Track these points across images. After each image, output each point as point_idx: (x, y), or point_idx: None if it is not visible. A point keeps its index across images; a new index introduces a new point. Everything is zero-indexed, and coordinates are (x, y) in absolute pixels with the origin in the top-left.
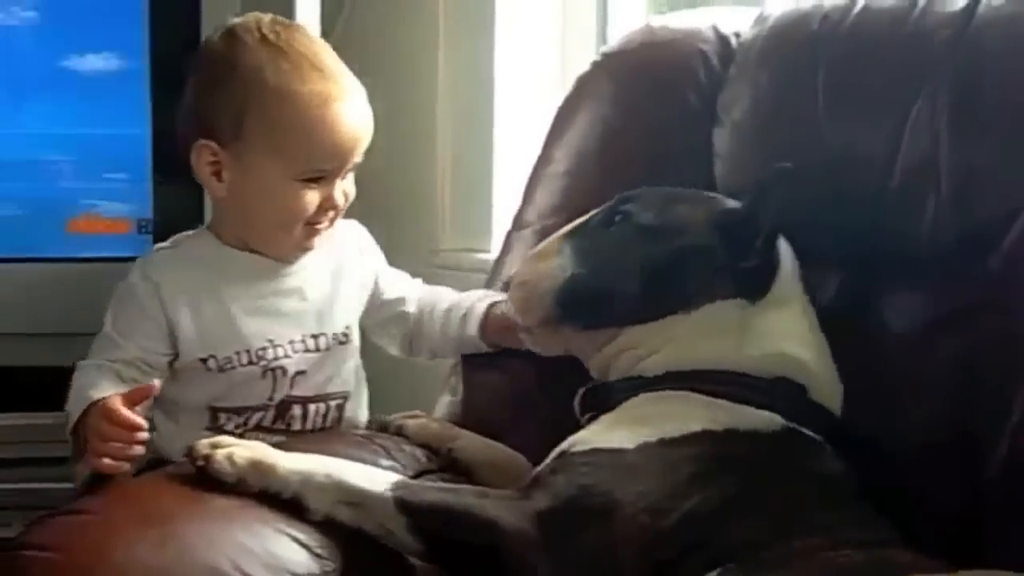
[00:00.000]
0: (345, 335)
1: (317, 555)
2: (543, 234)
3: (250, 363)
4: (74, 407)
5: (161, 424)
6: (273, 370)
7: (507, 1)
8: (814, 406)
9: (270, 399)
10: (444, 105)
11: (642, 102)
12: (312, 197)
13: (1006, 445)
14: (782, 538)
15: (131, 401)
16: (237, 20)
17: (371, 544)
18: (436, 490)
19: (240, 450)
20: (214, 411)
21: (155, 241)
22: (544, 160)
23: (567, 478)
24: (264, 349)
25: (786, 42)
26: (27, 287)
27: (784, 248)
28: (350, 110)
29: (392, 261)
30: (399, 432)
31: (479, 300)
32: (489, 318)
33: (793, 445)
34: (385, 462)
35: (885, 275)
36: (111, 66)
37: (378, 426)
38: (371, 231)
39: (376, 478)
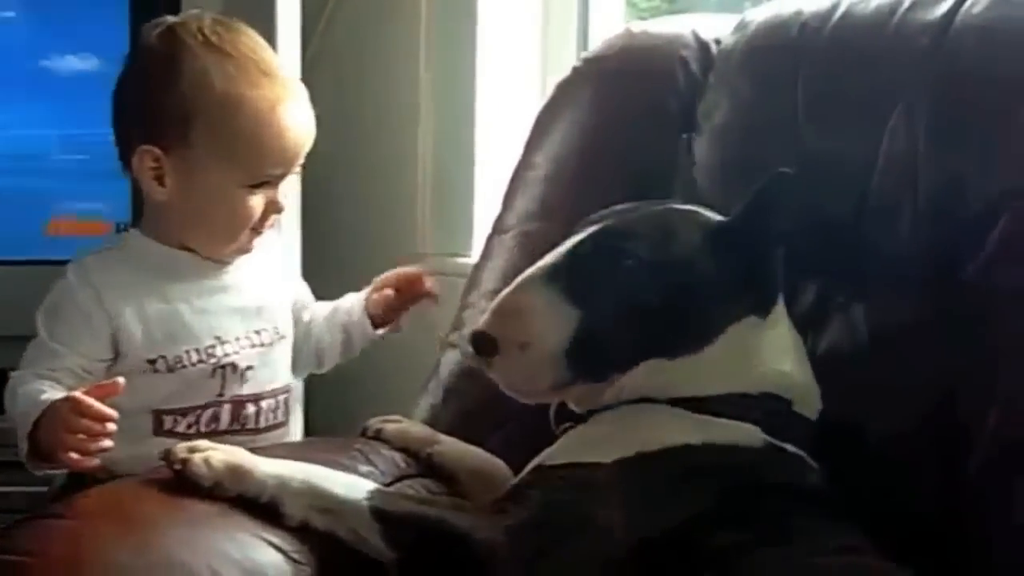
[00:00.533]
0: (279, 332)
1: (293, 560)
2: (522, 239)
3: (200, 361)
4: (28, 411)
5: None
6: (223, 367)
7: (488, 6)
8: (796, 418)
9: (220, 395)
10: (425, 109)
11: (622, 108)
12: (258, 202)
13: (983, 451)
14: (759, 547)
15: (99, 396)
16: (176, 20)
17: (347, 550)
18: (412, 500)
19: (217, 454)
20: (158, 414)
21: None
22: (524, 165)
23: (542, 492)
24: (213, 346)
25: (766, 49)
26: (3, 289)
27: None
28: (297, 113)
29: (372, 265)
30: (377, 436)
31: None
32: (369, 300)
33: (773, 459)
34: (363, 467)
35: (863, 282)
36: (90, 67)
37: (361, 429)
38: (352, 235)
39: (353, 485)
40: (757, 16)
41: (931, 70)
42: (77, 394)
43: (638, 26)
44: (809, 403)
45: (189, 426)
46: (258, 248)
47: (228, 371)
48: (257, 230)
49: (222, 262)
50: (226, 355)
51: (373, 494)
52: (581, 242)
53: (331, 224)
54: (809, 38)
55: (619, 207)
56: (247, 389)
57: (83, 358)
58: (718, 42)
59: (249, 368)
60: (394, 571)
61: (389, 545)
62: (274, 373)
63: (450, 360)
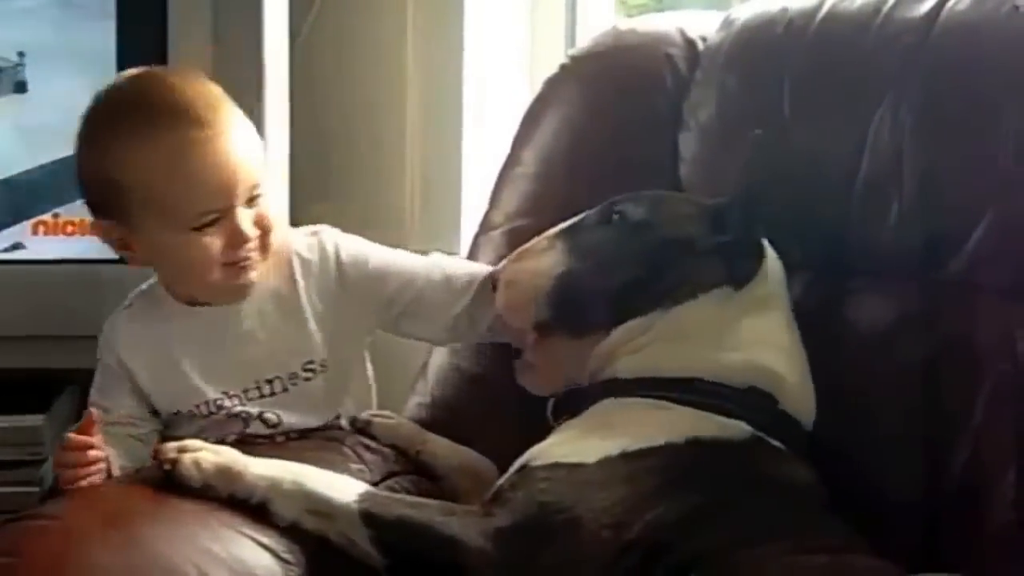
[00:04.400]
0: (307, 371)
1: (283, 560)
2: (510, 236)
3: (212, 413)
4: None
5: None
6: (237, 415)
7: (476, 2)
8: (783, 416)
9: (245, 431)
10: (412, 106)
11: (609, 105)
12: (212, 241)
13: (967, 446)
14: (745, 544)
15: (82, 432)
16: (99, 91)
17: (337, 551)
18: (402, 504)
19: (207, 455)
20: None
21: None
22: (511, 162)
23: (527, 494)
24: (220, 400)
25: (752, 47)
26: None
27: (771, 251)
28: (214, 147)
29: None
30: (366, 427)
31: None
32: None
33: (758, 454)
34: (354, 466)
35: (848, 278)
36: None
37: (349, 421)
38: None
39: (344, 488)
40: (743, 14)
41: (916, 67)
42: (67, 433)
43: (625, 24)
44: (800, 406)
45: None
46: (268, 292)
47: (242, 418)
48: (235, 264)
49: (232, 311)
50: (234, 407)
51: (364, 497)
52: (592, 211)
53: (318, 221)
54: (795, 35)
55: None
56: (284, 427)
57: (128, 409)
58: (704, 39)
59: (264, 414)
60: (383, 573)
61: (378, 550)
62: (306, 413)
63: (438, 360)
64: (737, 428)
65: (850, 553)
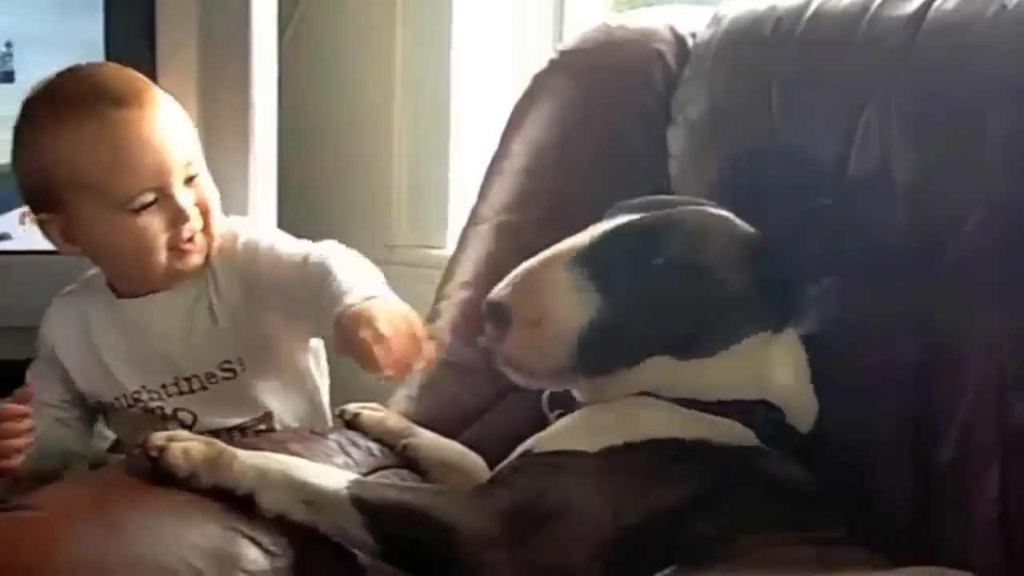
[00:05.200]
0: (225, 370)
1: (269, 551)
2: (499, 230)
3: (129, 406)
4: None
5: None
6: (153, 410)
7: None
8: (787, 429)
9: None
10: (400, 100)
11: (597, 100)
12: (154, 221)
13: (953, 443)
14: (735, 537)
15: (16, 402)
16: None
17: (323, 542)
18: (393, 488)
19: (196, 444)
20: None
21: None
22: (500, 156)
23: (528, 478)
24: (138, 393)
25: (740, 44)
26: None
27: None
28: (140, 128)
29: None
30: (354, 421)
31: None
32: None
33: (760, 455)
34: (339, 459)
35: (837, 276)
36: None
37: (338, 413)
38: (325, 225)
39: (332, 476)
40: (731, 10)
41: (903, 66)
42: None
43: (614, 19)
44: (802, 418)
45: None
46: (184, 289)
47: (157, 413)
48: (178, 246)
49: (148, 307)
50: (151, 401)
51: (353, 484)
52: (614, 230)
53: (306, 216)
54: (783, 33)
55: (652, 199)
56: (199, 427)
57: (59, 392)
58: (694, 36)
59: (181, 411)
60: (374, 561)
61: (371, 535)
62: (230, 411)
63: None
64: (742, 433)
65: (837, 545)
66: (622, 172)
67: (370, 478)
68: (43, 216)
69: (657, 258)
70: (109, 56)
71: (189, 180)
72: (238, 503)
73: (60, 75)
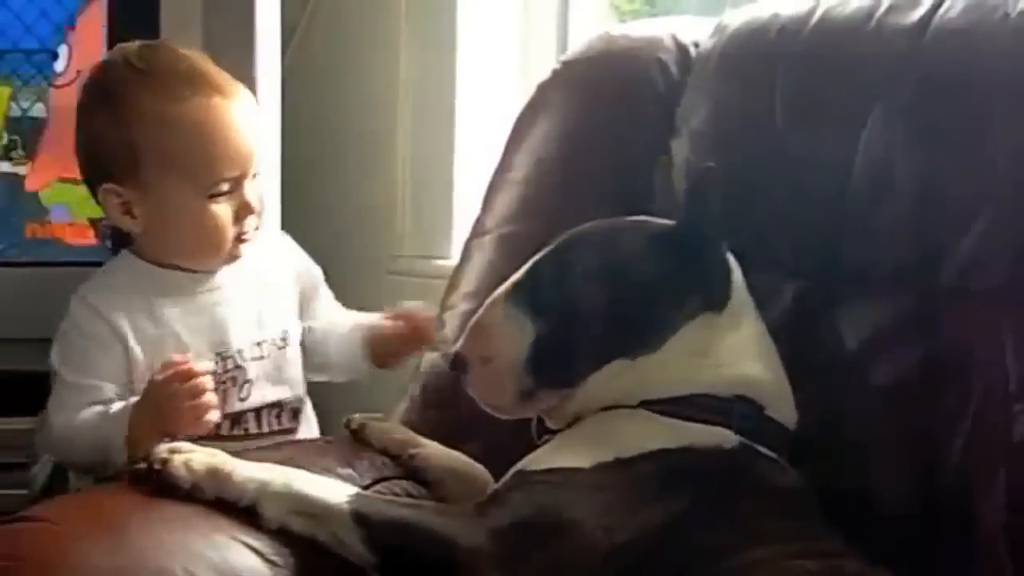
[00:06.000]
0: (283, 340)
1: (271, 563)
2: (502, 241)
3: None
4: (108, 429)
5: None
6: (225, 382)
7: (468, 7)
8: (770, 422)
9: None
10: (404, 110)
11: (601, 110)
12: (224, 210)
13: (958, 451)
14: (736, 550)
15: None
16: (105, 57)
17: (325, 553)
18: (393, 504)
19: (198, 456)
20: None
21: (113, 245)
22: (504, 167)
23: (524, 496)
24: (215, 362)
25: (744, 53)
26: None
27: (729, 256)
28: (235, 116)
29: (350, 267)
30: (360, 431)
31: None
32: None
33: (747, 460)
34: (342, 470)
35: (841, 285)
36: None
37: (344, 423)
38: (331, 237)
39: (334, 489)
40: (735, 20)
41: (908, 73)
42: (172, 367)
43: (617, 29)
44: (783, 409)
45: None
46: (252, 256)
47: (229, 385)
48: (238, 237)
49: (211, 275)
50: (227, 370)
51: (354, 498)
52: (537, 260)
53: (310, 227)
54: (787, 41)
55: (589, 223)
56: (249, 403)
57: (115, 384)
58: (697, 45)
59: (248, 382)
60: (374, 574)
61: (370, 550)
62: (279, 383)
63: (429, 364)
64: (724, 436)
65: (840, 558)
66: (626, 183)
67: (372, 490)
68: (110, 186)
69: (574, 269)
70: None
71: (253, 176)
72: (241, 514)
73: (151, 48)
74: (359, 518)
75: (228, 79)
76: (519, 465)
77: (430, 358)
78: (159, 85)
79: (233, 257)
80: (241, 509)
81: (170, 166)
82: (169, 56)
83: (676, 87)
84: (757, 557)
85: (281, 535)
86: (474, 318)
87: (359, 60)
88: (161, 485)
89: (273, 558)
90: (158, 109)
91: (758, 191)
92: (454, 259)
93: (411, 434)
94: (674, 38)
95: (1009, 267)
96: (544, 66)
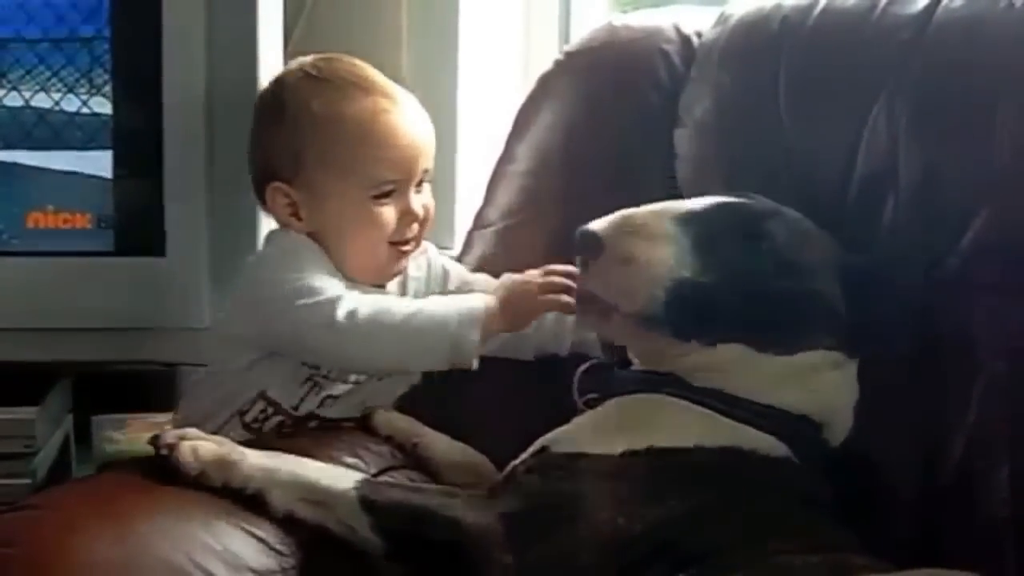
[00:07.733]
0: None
1: (277, 551)
2: (505, 233)
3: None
4: (457, 319)
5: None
6: (313, 380)
7: None
8: (820, 444)
9: (295, 408)
10: None
11: (604, 101)
12: (388, 213)
13: (962, 443)
14: (746, 544)
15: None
16: (283, 69)
17: (331, 542)
18: (401, 489)
19: (205, 444)
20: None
21: (115, 236)
22: (506, 158)
23: (542, 481)
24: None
25: (747, 43)
26: None
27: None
28: (401, 119)
29: None
30: (366, 420)
31: None
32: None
33: (784, 468)
34: (348, 459)
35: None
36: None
37: None
38: None
39: (340, 476)
40: (738, 10)
41: (911, 64)
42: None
43: (620, 19)
44: (836, 435)
45: (255, 419)
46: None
47: (313, 389)
48: (399, 246)
49: (381, 290)
50: (324, 378)
51: (361, 484)
52: (723, 204)
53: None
54: (790, 32)
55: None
56: (325, 413)
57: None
58: (700, 35)
59: (331, 397)
60: (381, 561)
61: (379, 536)
62: (358, 407)
63: None
64: (774, 444)
65: (845, 552)
66: (628, 174)
67: (379, 478)
68: (277, 185)
69: (761, 241)
70: (114, 58)
71: (420, 184)
72: (247, 502)
73: (324, 59)
74: (367, 504)
75: (398, 88)
76: (546, 439)
77: None
78: (329, 88)
79: (395, 270)
80: (247, 497)
81: (333, 163)
82: (342, 64)
83: (679, 78)
84: (763, 551)
85: (286, 524)
86: (628, 211)
87: (361, 54)
88: (168, 471)
89: (279, 547)
90: (325, 108)
91: (760, 181)
92: (457, 250)
93: (416, 423)
94: (677, 28)
95: (1014, 257)
96: (546, 57)
